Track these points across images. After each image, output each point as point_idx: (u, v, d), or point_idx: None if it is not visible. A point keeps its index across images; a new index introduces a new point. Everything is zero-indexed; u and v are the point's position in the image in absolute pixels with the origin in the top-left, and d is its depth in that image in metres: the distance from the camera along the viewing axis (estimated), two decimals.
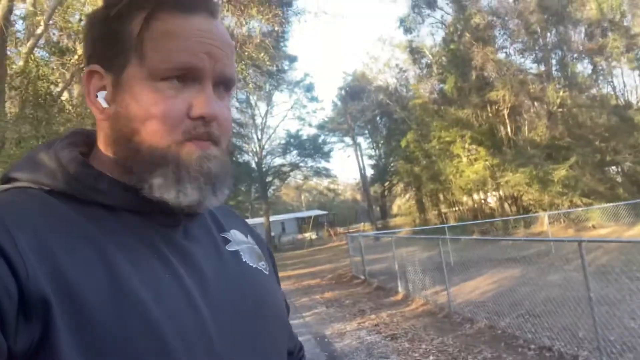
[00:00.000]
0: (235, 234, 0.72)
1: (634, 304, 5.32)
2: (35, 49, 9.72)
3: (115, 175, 0.58)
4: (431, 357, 4.76)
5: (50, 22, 9.76)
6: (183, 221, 0.62)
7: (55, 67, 9.49)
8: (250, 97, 32.01)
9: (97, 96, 0.60)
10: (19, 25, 10.51)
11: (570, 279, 7.50)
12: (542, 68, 23.33)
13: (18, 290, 0.43)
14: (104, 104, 0.59)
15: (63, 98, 9.25)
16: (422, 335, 5.63)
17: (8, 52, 8.43)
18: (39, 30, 9.41)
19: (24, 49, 9.40)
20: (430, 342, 5.28)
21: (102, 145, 0.61)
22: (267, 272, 0.71)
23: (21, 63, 8.86)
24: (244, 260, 0.68)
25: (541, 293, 6.86)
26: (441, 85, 25.60)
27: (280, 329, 0.68)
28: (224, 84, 0.61)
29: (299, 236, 35.44)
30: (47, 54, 9.90)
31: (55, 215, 0.52)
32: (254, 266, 0.69)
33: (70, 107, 8.81)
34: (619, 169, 22.59)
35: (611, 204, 14.90)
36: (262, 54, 10.41)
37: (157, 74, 0.56)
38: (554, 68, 23.06)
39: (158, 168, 0.56)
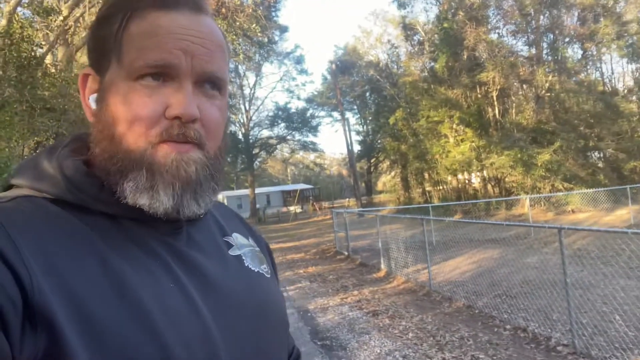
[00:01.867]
0: (237, 238, 0.72)
1: (607, 289, 5.52)
2: (19, 8, 9.38)
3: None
4: (410, 334, 4.91)
5: None
6: (185, 227, 0.62)
7: (39, 28, 9.19)
8: (239, 67, 31.54)
9: (89, 99, 0.60)
10: None
11: (547, 261, 7.74)
12: (533, 51, 23.33)
13: (23, 300, 0.43)
14: (94, 106, 0.59)
15: (47, 61, 9.00)
16: (403, 312, 5.78)
17: None
18: None
19: (7, 7, 9.06)
20: (410, 320, 5.43)
21: (93, 147, 0.60)
22: (268, 276, 0.71)
23: (4, 22, 8.55)
24: (246, 265, 0.68)
25: (519, 275, 7.06)
26: (432, 64, 25.44)
27: (281, 333, 0.69)
28: (209, 82, 0.58)
29: (284, 209, 35.56)
30: (30, 14, 9.56)
31: (60, 225, 0.52)
32: (256, 270, 0.69)
33: (54, 71, 8.59)
34: (601, 155, 22.99)
35: (591, 190, 15.22)
36: (253, 25, 10.21)
37: (132, 73, 0.55)
38: (544, 51, 23.08)
39: (131, 172, 0.54)
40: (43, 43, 9.24)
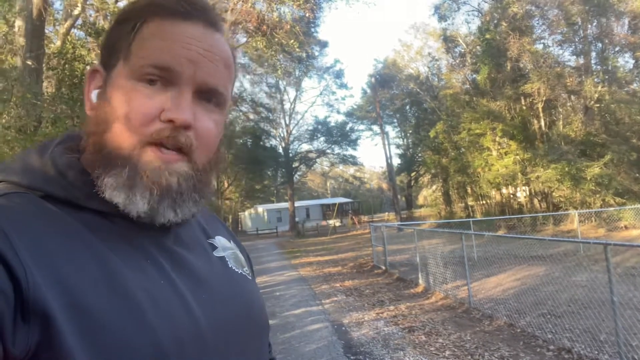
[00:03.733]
0: (220, 240, 0.74)
1: None
2: (72, 29, 9.97)
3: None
4: (447, 352, 4.75)
5: (88, 2, 9.97)
6: (173, 227, 0.63)
7: (91, 48, 9.72)
8: (280, 83, 32.10)
9: (92, 93, 0.62)
10: (57, 5, 10.75)
11: (597, 280, 7.33)
12: (581, 61, 22.47)
13: (17, 293, 0.44)
14: (94, 100, 0.61)
15: None
16: (440, 329, 5.61)
17: (46, 32, 8.67)
18: (76, 11, 9.64)
19: (61, 29, 9.65)
20: (448, 337, 5.27)
21: (85, 140, 0.61)
22: (250, 278, 0.73)
23: (58, 43, 9.10)
24: (230, 266, 0.70)
25: (565, 293, 6.73)
26: (474, 76, 25.02)
27: (264, 331, 0.71)
28: (210, 95, 0.59)
29: (323, 223, 35.58)
30: (83, 35, 10.13)
31: (53, 220, 0.52)
32: (239, 272, 0.70)
33: None
34: None
35: None
36: (292, 41, 10.39)
37: (136, 72, 0.56)
38: (593, 61, 22.18)
39: (115, 167, 0.55)
40: (95, 62, 9.76)
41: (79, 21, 10.23)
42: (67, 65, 7.70)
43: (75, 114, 7.36)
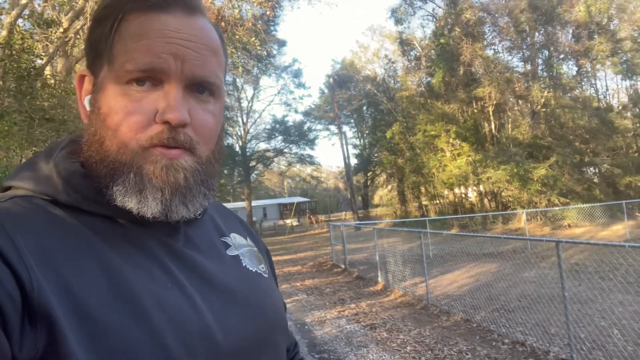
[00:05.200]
0: (235, 238, 0.73)
1: (605, 303, 5.51)
2: (20, 19, 9.44)
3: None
4: (408, 348, 4.87)
5: None
6: (183, 228, 0.62)
7: (39, 40, 9.24)
8: (237, 80, 31.71)
9: (85, 100, 0.60)
10: None
11: (545, 276, 7.73)
12: (529, 67, 23.58)
13: (23, 298, 0.44)
14: (88, 107, 0.59)
15: (46, 72, 9.02)
16: (400, 325, 5.75)
17: None
18: (23, 0, 9.15)
19: (7, 19, 9.12)
20: (408, 333, 5.40)
21: (86, 150, 0.60)
22: (266, 275, 0.72)
23: (4, 33, 8.60)
24: (244, 264, 0.69)
25: (516, 289, 7.05)
26: (429, 79, 25.69)
27: (281, 330, 0.69)
28: (201, 87, 0.58)
29: (280, 222, 35.43)
30: (31, 26, 9.62)
31: (58, 224, 0.52)
32: (254, 270, 0.69)
33: (53, 82, 8.61)
34: (597, 171, 23.12)
35: (587, 205, 15.29)
36: (252, 38, 10.30)
37: (122, 76, 0.54)
38: (539, 68, 23.32)
39: (121, 175, 0.54)
40: (43, 54, 9.28)
41: (27, 11, 9.71)
42: (14, 57, 7.27)
43: (23, 108, 6.98)
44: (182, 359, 0.50)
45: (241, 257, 0.70)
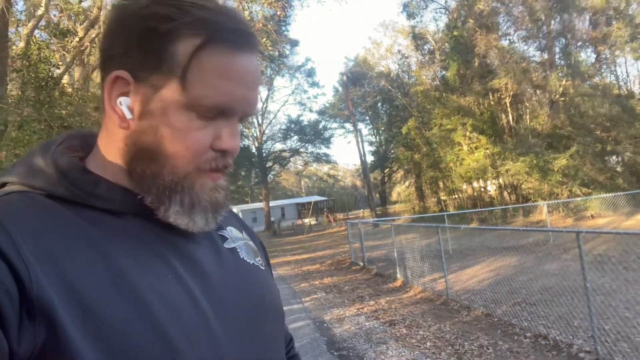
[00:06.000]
0: (231, 231, 0.74)
1: (630, 294, 5.39)
2: (36, 30, 9.66)
3: (118, 180, 0.59)
4: (428, 343, 4.84)
5: (51, 2, 9.67)
6: None
7: (56, 49, 9.43)
8: None
9: (119, 103, 0.57)
10: (20, 6, 10.40)
11: (567, 268, 7.59)
12: (546, 56, 23.14)
13: (21, 293, 0.44)
14: (128, 114, 0.57)
15: (64, 81, 9.21)
16: (420, 321, 5.71)
17: (9, 34, 8.38)
18: (39, 11, 9.35)
19: (24, 30, 9.34)
20: (428, 329, 5.36)
21: (110, 151, 0.60)
22: (263, 268, 0.73)
23: (22, 45, 8.81)
24: (241, 257, 0.70)
25: (538, 282, 6.94)
26: (443, 72, 25.47)
27: (278, 322, 0.70)
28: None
29: (299, 222, 35.53)
30: (47, 36, 9.83)
31: (56, 219, 0.52)
32: (251, 262, 0.70)
33: (71, 90, 8.79)
34: (619, 159, 22.57)
35: (610, 194, 14.94)
36: (264, 39, 10.33)
37: (196, 107, 0.55)
38: (557, 56, 22.86)
39: (175, 194, 0.58)
40: (60, 64, 9.48)
41: (43, 22, 9.92)
42: (32, 67, 7.45)
43: (42, 117, 7.14)
44: (183, 349, 0.50)
45: (238, 250, 0.71)
